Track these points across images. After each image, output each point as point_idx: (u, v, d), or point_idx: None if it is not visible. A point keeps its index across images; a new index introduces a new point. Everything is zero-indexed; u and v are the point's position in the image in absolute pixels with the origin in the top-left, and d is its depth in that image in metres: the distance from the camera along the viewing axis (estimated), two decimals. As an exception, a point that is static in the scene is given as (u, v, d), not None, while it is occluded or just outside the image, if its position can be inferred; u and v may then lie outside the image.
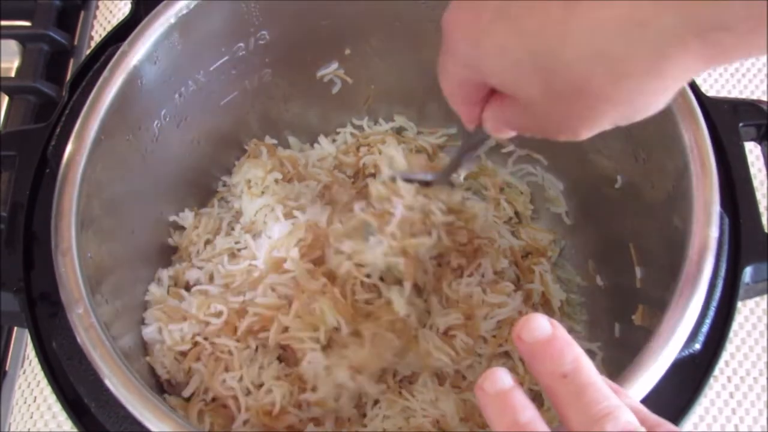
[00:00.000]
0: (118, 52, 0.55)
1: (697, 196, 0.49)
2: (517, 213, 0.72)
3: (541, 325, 0.35)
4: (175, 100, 0.60)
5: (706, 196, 0.49)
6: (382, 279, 0.61)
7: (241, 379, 0.59)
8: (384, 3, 0.64)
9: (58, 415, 0.67)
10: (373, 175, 0.71)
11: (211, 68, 0.62)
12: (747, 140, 0.55)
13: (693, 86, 0.54)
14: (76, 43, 0.86)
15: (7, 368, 0.69)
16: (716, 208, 0.49)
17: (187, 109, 0.62)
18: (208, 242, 0.68)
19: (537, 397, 0.59)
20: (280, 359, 0.62)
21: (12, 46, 0.83)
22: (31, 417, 0.67)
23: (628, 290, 0.58)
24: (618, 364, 0.47)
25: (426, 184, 0.58)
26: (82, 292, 0.47)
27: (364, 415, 0.60)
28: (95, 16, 0.89)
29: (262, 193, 0.68)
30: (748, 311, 0.70)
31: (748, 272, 0.50)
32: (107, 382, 0.45)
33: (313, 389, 0.58)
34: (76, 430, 0.47)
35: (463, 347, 0.61)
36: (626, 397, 0.35)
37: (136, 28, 0.56)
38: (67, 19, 0.87)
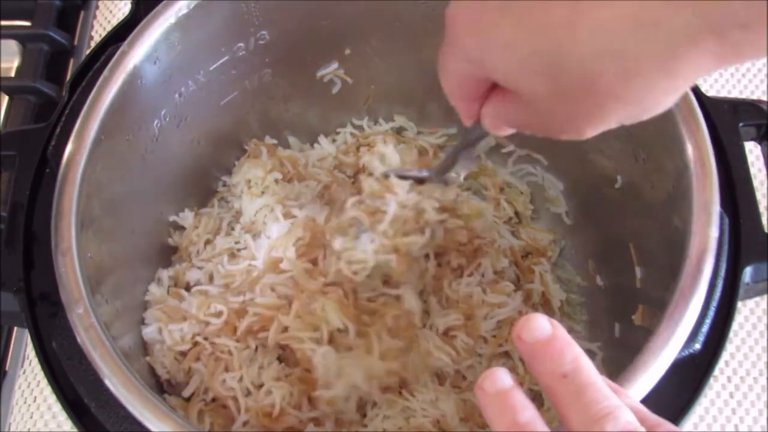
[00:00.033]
0: (118, 52, 0.55)
1: (697, 196, 0.49)
2: (517, 213, 0.72)
3: (540, 325, 0.35)
4: (175, 100, 0.60)
5: (706, 196, 0.49)
6: (386, 282, 0.61)
7: (241, 379, 0.59)
8: (384, 3, 0.64)
9: (58, 415, 0.67)
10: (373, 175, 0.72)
11: (211, 68, 0.62)
12: (747, 140, 0.55)
13: (693, 86, 0.54)
14: (76, 43, 0.86)
15: (7, 368, 0.69)
16: (716, 208, 0.49)
17: (187, 109, 0.62)
18: (208, 242, 0.68)
19: (537, 397, 0.59)
20: (279, 359, 0.62)
21: (12, 46, 0.83)
22: (31, 417, 0.67)
23: (628, 290, 0.58)
24: (618, 364, 0.47)
25: (420, 181, 0.57)
26: (82, 292, 0.47)
27: (364, 415, 0.60)
28: (95, 16, 0.89)
29: (262, 193, 0.68)
30: (748, 311, 0.70)
31: (748, 272, 0.50)
32: (107, 382, 0.45)
33: (327, 386, 0.58)
34: (76, 430, 0.47)
35: (463, 347, 0.61)
36: (626, 397, 0.35)
37: (136, 28, 0.56)
38: (67, 19, 0.87)
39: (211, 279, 0.65)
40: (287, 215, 0.66)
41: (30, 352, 0.70)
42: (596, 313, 0.66)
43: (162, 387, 0.61)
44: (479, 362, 0.62)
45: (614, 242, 0.62)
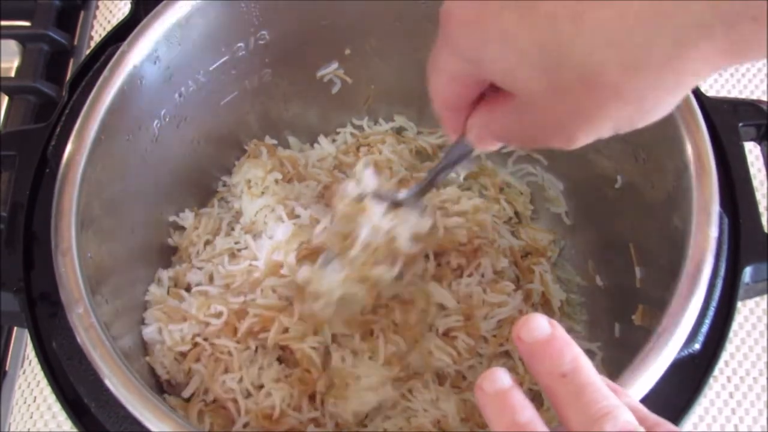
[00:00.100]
0: (118, 52, 0.55)
1: (697, 196, 0.49)
2: (517, 213, 0.72)
3: (540, 325, 0.35)
4: (175, 100, 0.60)
5: (706, 196, 0.49)
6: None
7: (240, 380, 0.59)
8: (384, 3, 0.64)
9: (58, 415, 0.67)
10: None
11: (211, 68, 0.62)
12: (747, 140, 0.55)
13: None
14: (76, 43, 0.86)
15: (7, 368, 0.69)
16: (716, 208, 0.49)
17: (187, 109, 0.62)
18: (207, 243, 0.68)
19: (537, 397, 0.59)
20: (279, 360, 0.62)
21: (12, 46, 0.83)
22: (31, 417, 0.67)
23: (628, 290, 0.58)
24: (618, 364, 0.47)
25: (397, 204, 0.54)
26: (82, 292, 0.47)
27: (365, 416, 0.60)
28: (95, 16, 0.89)
29: (262, 193, 0.68)
30: (748, 311, 0.70)
31: (747, 272, 0.50)
32: (107, 382, 0.45)
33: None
34: (76, 430, 0.47)
35: (464, 347, 0.61)
36: (625, 397, 0.35)
37: (136, 28, 0.56)
38: (67, 19, 0.87)
39: (211, 279, 0.65)
40: (291, 215, 0.66)
41: (30, 352, 0.70)
42: (596, 313, 0.66)
43: (162, 387, 0.61)
44: (480, 362, 0.62)
45: (614, 242, 0.62)
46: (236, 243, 0.67)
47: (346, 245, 0.54)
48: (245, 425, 0.58)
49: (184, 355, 0.61)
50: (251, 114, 0.70)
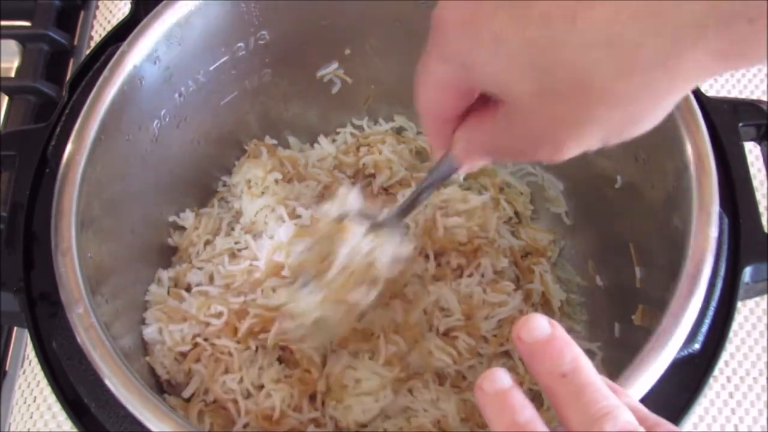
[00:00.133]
0: (118, 52, 0.55)
1: (697, 196, 0.49)
2: (517, 213, 0.72)
3: (540, 325, 0.35)
4: (175, 100, 0.60)
5: (706, 196, 0.49)
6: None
7: (241, 380, 0.59)
8: (384, 3, 0.64)
9: (58, 415, 0.67)
10: (373, 176, 0.71)
11: (211, 68, 0.62)
12: (747, 140, 0.55)
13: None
14: (76, 43, 0.86)
15: (7, 368, 0.69)
16: (716, 208, 0.49)
17: (187, 109, 0.62)
18: (207, 243, 0.68)
19: (537, 397, 0.59)
20: (279, 360, 0.62)
21: (12, 46, 0.83)
22: (31, 417, 0.67)
23: (628, 290, 0.58)
24: (618, 364, 0.47)
25: (378, 225, 0.53)
26: (82, 292, 0.47)
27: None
28: (95, 16, 0.89)
29: (262, 193, 0.68)
30: (748, 311, 0.70)
31: (747, 272, 0.50)
32: (107, 382, 0.45)
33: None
34: (76, 430, 0.47)
35: (465, 347, 0.61)
36: (625, 397, 0.35)
37: (136, 28, 0.56)
38: (67, 19, 0.87)
39: (211, 279, 0.65)
40: (291, 215, 0.66)
41: (30, 352, 0.70)
42: (596, 313, 0.66)
43: (162, 387, 0.61)
44: (480, 362, 0.62)
45: (614, 242, 0.62)
46: (236, 243, 0.67)
47: (324, 266, 0.53)
48: (245, 426, 0.58)
49: (184, 355, 0.61)
50: (251, 114, 0.70)
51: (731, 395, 0.67)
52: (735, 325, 0.62)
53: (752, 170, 0.55)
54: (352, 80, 0.71)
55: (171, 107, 0.60)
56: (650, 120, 0.33)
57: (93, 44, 0.86)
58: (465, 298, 0.63)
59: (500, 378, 0.35)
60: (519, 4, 0.31)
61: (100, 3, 0.90)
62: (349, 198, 0.54)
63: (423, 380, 0.60)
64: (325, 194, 0.69)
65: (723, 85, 0.82)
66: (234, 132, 0.71)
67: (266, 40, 0.63)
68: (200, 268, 0.66)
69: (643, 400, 0.43)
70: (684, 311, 0.46)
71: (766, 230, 0.52)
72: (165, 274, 0.65)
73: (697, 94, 0.54)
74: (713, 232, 0.48)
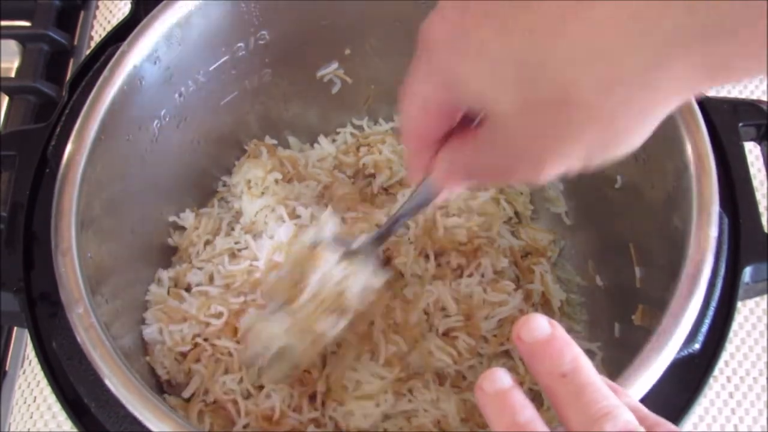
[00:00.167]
0: (118, 52, 0.55)
1: (697, 196, 0.49)
2: (516, 213, 0.72)
3: (540, 325, 0.35)
4: (175, 100, 0.60)
5: (706, 196, 0.49)
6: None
7: (241, 381, 0.59)
8: (384, 3, 0.64)
9: (58, 415, 0.67)
10: (373, 175, 0.71)
11: (211, 68, 0.62)
12: (747, 140, 0.55)
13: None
14: (76, 43, 0.86)
15: (7, 368, 0.69)
16: (716, 208, 0.49)
17: (187, 109, 0.62)
18: (207, 243, 0.68)
19: (537, 397, 0.59)
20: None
21: (12, 46, 0.83)
22: (31, 417, 0.67)
23: (628, 290, 0.58)
24: (618, 364, 0.47)
25: (352, 253, 0.53)
26: (82, 292, 0.47)
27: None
28: (95, 16, 0.89)
29: (262, 193, 0.68)
30: (748, 311, 0.70)
31: (747, 272, 0.50)
32: (107, 382, 0.45)
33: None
34: (76, 430, 0.47)
35: (465, 347, 0.61)
36: (625, 397, 0.35)
37: (136, 28, 0.56)
38: (67, 19, 0.87)
39: (211, 279, 0.65)
40: (291, 215, 0.66)
41: (30, 352, 0.70)
42: (596, 313, 0.66)
43: (162, 387, 0.61)
44: (480, 362, 0.62)
45: (614, 242, 0.62)
46: (236, 243, 0.67)
47: (296, 292, 0.52)
48: (245, 426, 0.58)
49: (184, 355, 0.61)
50: (251, 114, 0.70)
51: (731, 395, 0.67)
52: (735, 325, 0.62)
53: (752, 170, 0.55)
54: (352, 80, 0.71)
55: (171, 107, 0.60)
56: (632, 139, 0.33)
57: (93, 44, 0.86)
58: (465, 298, 0.63)
59: (500, 378, 0.35)
60: (505, 17, 0.31)
61: (100, 3, 0.90)
62: (325, 224, 0.54)
63: (423, 380, 0.60)
64: (325, 194, 0.69)
65: (723, 85, 0.82)
66: (234, 132, 0.71)
67: (266, 40, 0.63)
68: (200, 268, 0.66)
69: (643, 400, 0.43)
70: (684, 311, 0.46)
71: (766, 230, 0.52)
72: (165, 274, 0.65)
73: (697, 94, 0.54)
74: (713, 232, 0.48)
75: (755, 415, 0.66)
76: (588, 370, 0.33)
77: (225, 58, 0.62)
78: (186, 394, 0.61)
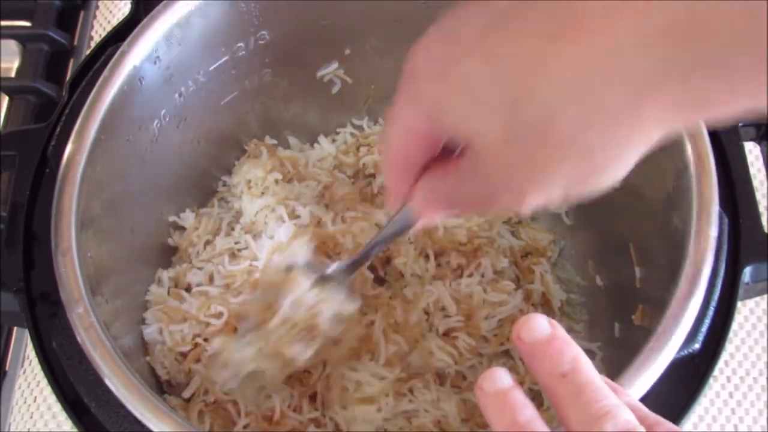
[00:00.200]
0: (118, 52, 0.55)
1: (697, 196, 0.49)
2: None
3: (540, 325, 0.35)
4: (175, 100, 0.60)
5: (706, 196, 0.49)
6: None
7: (240, 380, 0.59)
8: (384, 3, 0.64)
9: (58, 415, 0.67)
10: (373, 176, 0.72)
11: (211, 68, 0.62)
12: (746, 140, 0.55)
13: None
14: (76, 43, 0.86)
15: (7, 368, 0.69)
16: (716, 208, 0.49)
17: (187, 109, 0.62)
18: (207, 243, 0.68)
19: (537, 397, 0.59)
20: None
21: (12, 46, 0.83)
22: (31, 417, 0.67)
23: (628, 290, 0.58)
24: (618, 363, 0.47)
25: (325, 279, 0.52)
26: (82, 292, 0.47)
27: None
28: (95, 16, 0.89)
29: (262, 193, 0.68)
30: (748, 311, 0.70)
31: (747, 272, 0.50)
32: (107, 382, 0.45)
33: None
34: (76, 430, 0.47)
35: (465, 347, 0.61)
36: (625, 396, 0.35)
37: (136, 28, 0.56)
38: (67, 19, 0.87)
39: (211, 280, 0.65)
40: (291, 215, 0.66)
41: (30, 352, 0.70)
42: (596, 313, 0.66)
43: (162, 387, 0.61)
44: (480, 362, 0.62)
45: (614, 242, 0.62)
46: (236, 243, 0.67)
47: (267, 316, 0.52)
48: (245, 426, 0.58)
49: (184, 355, 0.61)
50: (251, 114, 0.70)
51: (731, 395, 0.67)
52: (735, 325, 0.62)
53: (752, 170, 0.55)
54: (352, 80, 0.71)
55: (171, 107, 0.60)
56: (612, 173, 0.33)
57: (93, 44, 0.86)
58: (465, 298, 0.63)
59: (500, 378, 0.35)
60: (491, 45, 0.31)
61: (100, 3, 0.90)
62: (299, 249, 0.54)
63: (423, 380, 0.60)
64: (325, 194, 0.69)
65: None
66: (234, 132, 0.71)
67: (266, 40, 0.63)
68: (200, 268, 0.66)
69: (643, 400, 0.43)
70: (684, 311, 0.46)
71: (766, 230, 0.52)
72: (165, 274, 0.65)
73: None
74: (713, 232, 0.48)
75: (755, 415, 0.66)
76: (588, 369, 0.33)
77: (225, 58, 0.62)
78: (186, 394, 0.61)
